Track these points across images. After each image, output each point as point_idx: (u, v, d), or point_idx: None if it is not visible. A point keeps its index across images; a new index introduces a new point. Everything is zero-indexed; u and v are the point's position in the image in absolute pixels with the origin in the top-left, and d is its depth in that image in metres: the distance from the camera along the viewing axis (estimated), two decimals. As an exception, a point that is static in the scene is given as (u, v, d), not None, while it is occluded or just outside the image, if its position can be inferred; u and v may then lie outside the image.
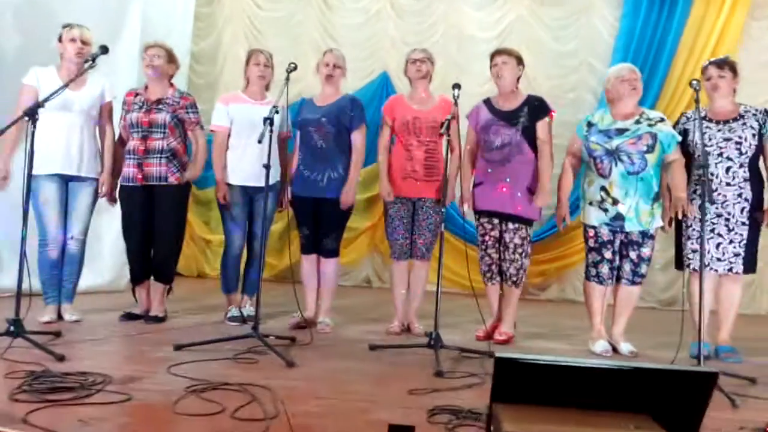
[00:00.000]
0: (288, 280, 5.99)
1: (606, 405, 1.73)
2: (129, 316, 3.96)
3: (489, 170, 3.92)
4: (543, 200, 3.88)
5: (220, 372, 2.79)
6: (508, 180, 3.85)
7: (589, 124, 3.80)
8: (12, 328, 2.95)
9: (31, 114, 3.01)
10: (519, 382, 1.75)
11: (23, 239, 3.08)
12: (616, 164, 3.66)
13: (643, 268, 3.76)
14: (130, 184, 3.88)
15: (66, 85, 3.31)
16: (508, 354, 1.78)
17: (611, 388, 1.74)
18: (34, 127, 3.02)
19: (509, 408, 1.70)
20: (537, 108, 3.91)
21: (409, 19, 6.63)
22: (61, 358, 2.80)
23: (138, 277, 4.00)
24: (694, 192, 3.71)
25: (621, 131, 3.68)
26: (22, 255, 3.06)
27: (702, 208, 3.17)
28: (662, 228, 3.76)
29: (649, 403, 1.73)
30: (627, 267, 3.75)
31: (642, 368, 1.75)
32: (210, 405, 2.28)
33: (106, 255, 5.05)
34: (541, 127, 3.89)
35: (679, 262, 3.83)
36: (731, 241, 3.70)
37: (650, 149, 3.63)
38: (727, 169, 3.69)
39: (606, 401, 1.73)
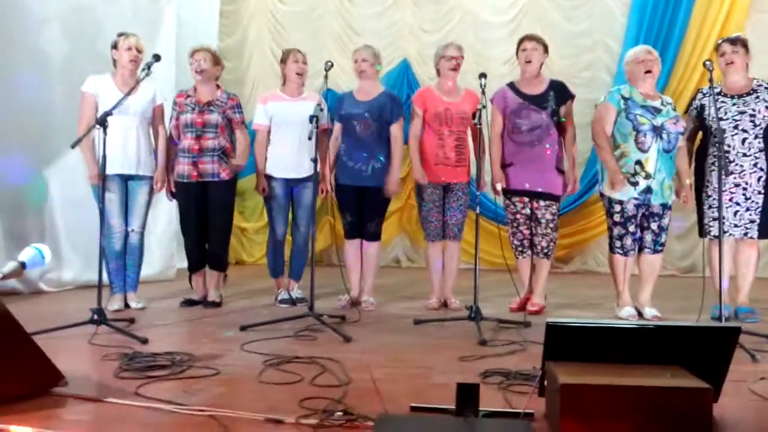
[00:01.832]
0: (324, 263, 6.36)
1: (644, 359, 2.02)
2: (188, 302, 4.29)
3: (518, 152, 4.17)
4: (574, 178, 4.19)
5: (287, 348, 3.10)
6: (538, 160, 4.11)
7: (624, 98, 3.95)
8: (96, 317, 3.27)
9: (102, 122, 3.30)
10: (568, 343, 2.04)
11: (102, 236, 3.38)
12: (656, 141, 3.86)
13: (664, 237, 4.03)
14: (185, 180, 4.17)
15: (129, 93, 3.61)
16: (557, 319, 2.06)
17: (648, 345, 2.03)
18: (105, 133, 3.32)
19: (561, 365, 1.99)
20: (562, 92, 4.20)
21: (426, 7, 6.84)
22: (145, 341, 3.12)
23: (195, 266, 4.32)
24: (713, 164, 3.95)
25: (657, 110, 3.91)
26: (101, 249, 3.38)
27: (719, 180, 3.41)
28: (680, 200, 4.03)
29: (681, 356, 2.01)
30: (649, 237, 4.01)
31: (674, 326, 2.03)
32: (288, 375, 2.59)
33: (155, 247, 5.36)
34: (567, 110, 4.19)
35: (701, 230, 4.08)
36: (748, 209, 3.95)
37: (683, 132, 3.90)
38: (743, 141, 3.93)
39: (644, 356, 2.02)
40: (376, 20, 6.89)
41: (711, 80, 3.59)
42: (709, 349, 2.00)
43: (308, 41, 6.78)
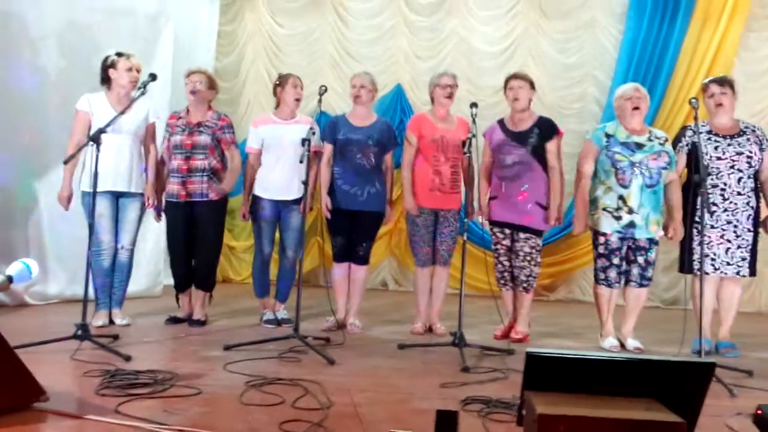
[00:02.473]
0: (311, 284, 6.38)
1: (620, 392, 2.04)
2: (174, 320, 4.29)
3: (502, 185, 4.23)
4: (555, 217, 4.18)
5: (270, 369, 3.11)
6: (519, 194, 4.16)
7: (607, 135, 4.06)
8: (80, 332, 3.27)
9: (96, 139, 3.33)
10: (547, 373, 2.06)
11: (90, 251, 3.39)
12: (636, 177, 3.94)
13: (650, 272, 4.07)
14: (174, 200, 4.20)
15: (123, 112, 3.65)
16: (537, 349, 2.09)
17: (625, 378, 2.05)
18: (98, 150, 3.35)
19: (539, 395, 2.01)
20: (547, 129, 4.22)
21: (421, 35, 6.95)
22: (128, 359, 3.12)
23: (181, 284, 4.33)
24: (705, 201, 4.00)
25: (639, 146, 3.98)
26: (88, 264, 3.39)
27: (702, 217, 3.49)
28: (666, 236, 4.07)
29: (658, 390, 2.04)
30: (635, 271, 4.05)
31: (651, 360, 2.06)
32: (270, 397, 2.60)
33: (142, 264, 5.35)
34: (550, 147, 4.19)
35: (682, 266, 4.13)
36: (739, 246, 4.01)
37: (668, 166, 3.96)
38: (738, 180, 4.00)
39: (620, 389, 2.04)
40: (371, 46, 6.99)
41: (696, 118, 3.68)
42: (684, 383, 2.03)
43: (304, 64, 6.91)
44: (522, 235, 4.18)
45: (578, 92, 6.73)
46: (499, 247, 4.29)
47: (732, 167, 3.99)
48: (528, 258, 4.18)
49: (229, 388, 2.73)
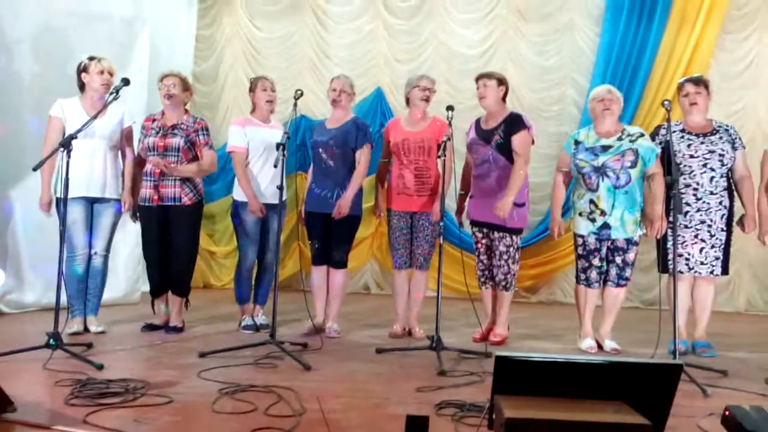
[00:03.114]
0: (292, 288, 6.36)
1: (589, 394, 2.05)
2: (150, 327, 4.25)
3: (477, 184, 4.26)
4: (505, 204, 4.02)
5: (245, 376, 3.09)
6: (489, 192, 4.16)
7: (576, 142, 4.12)
8: (52, 341, 3.23)
9: (66, 145, 3.30)
10: (516, 377, 2.06)
11: (61, 259, 3.36)
12: (602, 179, 3.98)
13: (628, 272, 4.09)
14: (147, 204, 4.16)
15: (95, 117, 3.62)
16: (506, 353, 2.09)
17: (593, 380, 2.06)
18: (69, 156, 3.31)
19: (508, 399, 2.01)
20: (512, 124, 4.15)
21: (400, 38, 6.95)
22: (100, 367, 3.08)
23: (157, 290, 4.29)
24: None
25: (605, 148, 4.00)
26: (60, 272, 3.35)
27: (674, 217, 3.52)
28: (646, 234, 4.08)
29: (626, 392, 2.05)
30: (613, 271, 4.08)
31: (619, 362, 2.07)
32: (243, 404, 2.58)
33: (120, 270, 5.32)
34: (516, 141, 4.11)
35: (661, 266, 4.15)
36: (713, 246, 4.04)
37: (633, 165, 3.96)
38: (711, 179, 4.03)
39: (589, 391, 2.05)
40: (351, 49, 6.98)
41: (668, 119, 3.71)
42: (653, 385, 2.04)
43: (283, 68, 6.89)
44: (497, 234, 4.19)
45: (557, 94, 6.76)
46: (479, 246, 4.31)
47: (704, 166, 4.02)
48: (504, 257, 4.19)
49: (202, 395, 2.70)
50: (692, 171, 4.02)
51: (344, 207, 4.20)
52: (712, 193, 4.02)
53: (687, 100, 4.13)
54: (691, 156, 4.02)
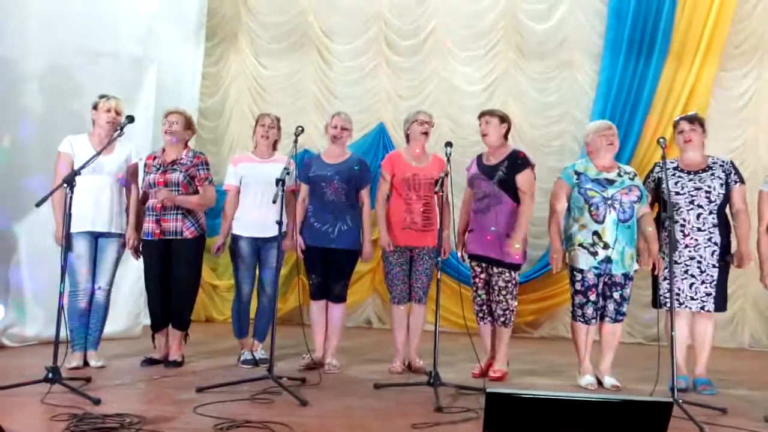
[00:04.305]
0: (293, 323, 6.33)
1: (582, 431, 2.05)
2: (149, 361, 4.26)
3: (476, 218, 4.29)
4: (514, 244, 4.08)
5: (241, 411, 3.09)
6: (493, 228, 4.19)
7: (577, 173, 4.13)
8: (51, 375, 3.25)
9: (70, 181, 3.37)
10: (507, 413, 2.08)
11: (61, 293, 3.39)
12: (609, 212, 4.00)
13: (625, 307, 4.10)
14: (149, 238, 4.21)
15: (99, 153, 3.70)
16: (498, 389, 2.11)
17: (584, 417, 2.07)
18: (72, 192, 3.39)
19: (499, 435, 2.03)
20: (515, 162, 4.23)
21: (403, 75, 7.06)
22: (97, 402, 3.09)
23: (157, 324, 4.31)
24: (666, 237, 4.04)
25: (610, 182, 4.05)
26: (60, 307, 3.38)
27: (670, 254, 3.54)
28: (640, 265, 4.10)
29: (617, 429, 2.05)
30: (611, 306, 4.08)
31: (609, 400, 2.08)
32: (237, 440, 2.59)
33: (121, 304, 5.32)
34: (521, 180, 4.20)
35: (655, 301, 4.16)
36: (703, 282, 4.05)
37: (638, 200, 4.02)
38: (698, 216, 4.05)
39: (581, 428, 2.06)
40: (354, 86, 7.10)
41: (663, 156, 3.77)
42: (643, 422, 2.04)
43: (287, 104, 7.01)
44: (496, 270, 4.20)
45: (557, 130, 6.83)
46: (477, 280, 4.31)
47: (691, 203, 4.05)
48: (503, 292, 4.19)
49: (197, 431, 2.70)
50: (679, 208, 4.05)
51: (369, 250, 4.42)
52: (699, 229, 4.04)
53: (682, 137, 4.18)
54: (677, 193, 4.06)
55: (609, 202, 4.00)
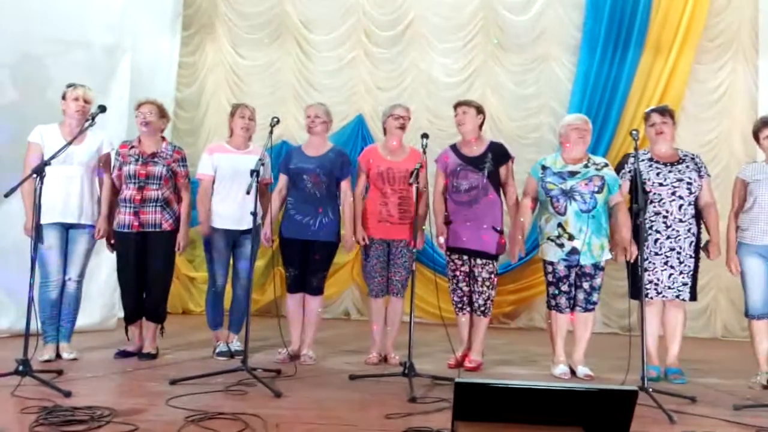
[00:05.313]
0: (270, 315, 6.33)
1: (548, 420, 2.07)
2: (123, 354, 4.22)
3: (457, 211, 4.30)
4: (520, 244, 4.22)
5: (214, 403, 3.07)
6: (475, 219, 4.21)
7: (543, 168, 4.19)
8: (21, 368, 3.21)
9: (39, 171, 3.32)
10: (475, 403, 2.09)
11: (31, 285, 3.35)
12: (570, 203, 4.05)
13: (595, 297, 4.15)
14: (126, 230, 4.15)
15: (69, 143, 3.65)
16: (466, 379, 2.12)
17: (552, 406, 2.09)
18: (42, 183, 3.33)
19: (468, 425, 2.04)
20: (499, 154, 4.32)
21: (382, 66, 7.04)
22: (67, 395, 3.06)
23: (131, 316, 4.27)
24: (649, 228, 4.08)
25: (573, 174, 4.09)
26: (30, 299, 3.34)
27: (640, 246, 3.59)
28: (613, 259, 4.14)
29: (583, 418, 2.07)
30: (581, 296, 4.13)
31: (575, 389, 2.10)
32: (209, 432, 2.58)
33: (96, 296, 5.27)
34: (504, 172, 4.31)
35: (631, 292, 4.20)
36: (681, 272, 4.11)
37: (599, 190, 4.05)
38: (680, 207, 4.10)
39: (548, 417, 2.07)
40: (332, 77, 7.06)
41: (636, 148, 3.82)
42: (609, 411, 2.07)
43: (265, 94, 6.96)
44: (479, 261, 4.23)
45: (535, 122, 6.86)
46: (458, 273, 4.32)
47: (673, 194, 4.09)
48: (486, 283, 4.24)
49: (169, 424, 2.69)
50: (662, 199, 4.09)
51: (351, 241, 4.39)
52: (680, 220, 4.09)
53: (653, 130, 4.22)
54: (660, 184, 4.10)
55: (568, 193, 4.04)
